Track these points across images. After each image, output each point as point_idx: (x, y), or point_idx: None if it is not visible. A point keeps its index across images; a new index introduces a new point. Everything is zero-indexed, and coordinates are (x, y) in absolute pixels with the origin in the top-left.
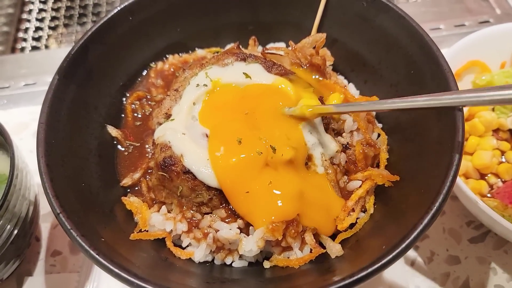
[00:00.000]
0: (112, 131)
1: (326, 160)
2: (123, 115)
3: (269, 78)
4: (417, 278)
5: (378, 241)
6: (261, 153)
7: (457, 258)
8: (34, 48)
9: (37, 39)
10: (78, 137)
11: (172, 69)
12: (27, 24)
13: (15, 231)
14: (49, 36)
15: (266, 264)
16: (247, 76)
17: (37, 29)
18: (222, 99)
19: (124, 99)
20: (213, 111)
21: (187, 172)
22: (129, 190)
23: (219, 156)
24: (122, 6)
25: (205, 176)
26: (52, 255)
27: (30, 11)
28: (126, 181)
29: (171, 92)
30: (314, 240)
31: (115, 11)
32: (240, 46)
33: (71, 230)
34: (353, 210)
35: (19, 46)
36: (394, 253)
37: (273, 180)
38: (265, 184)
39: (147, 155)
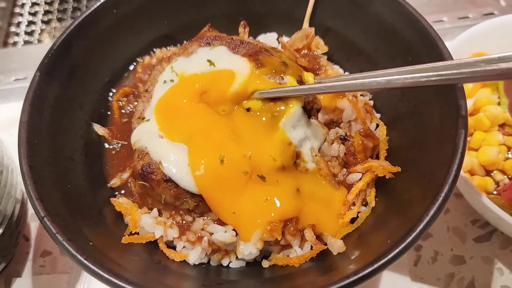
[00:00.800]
0: (99, 129)
1: (316, 155)
2: (109, 113)
3: (235, 61)
4: (421, 279)
5: (382, 235)
6: (247, 173)
7: (462, 258)
8: (27, 42)
9: (30, 33)
10: (62, 136)
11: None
12: (19, 18)
13: (0, 230)
14: (42, 30)
15: (265, 264)
16: (211, 63)
17: (30, 23)
18: (181, 97)
19: (110, 95)
20: (173, 114)
21: (168, 180)
22: (117, 191)
23: (201, 176)
24: None
25: (187, 184)
26: (41, 256)
27: (22, 5)
28: (115, 182)
29: (143, 93)
30: (314, 236)
31: (98, 4)
32: (211, 29)
33: (57, 235)
34: (353, 204)
35: (11, 40)
36: (400, 247)
37: (264, 195)
38: (253, 200)
39: None
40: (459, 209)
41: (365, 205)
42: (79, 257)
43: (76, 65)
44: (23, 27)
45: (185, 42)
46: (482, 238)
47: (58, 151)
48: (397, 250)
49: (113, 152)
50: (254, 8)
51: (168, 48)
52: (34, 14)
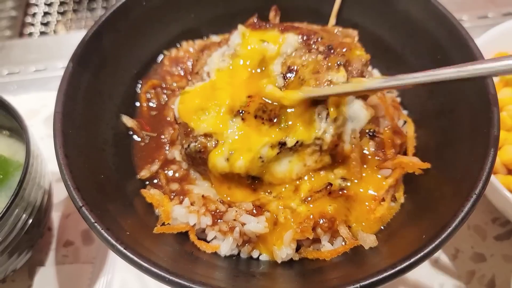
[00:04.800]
0: (128, 121)
1: (354, 138)
2: (137, 104)
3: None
4: (442, 276)
5: (413, 231)
6: None
7: (482, 256)
8: (42, 33)
9: (46, 24)
10: (93, 127)
11: (187, 57)
12: (35, 9)
13: (30, 220)
14: (57, 21)
15: (295, 256)
16: None
17: (46, 14)
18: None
19: (138, 87)
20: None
21: None
22: (148, 182)
23: None
24: None
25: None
26: (64, 246)
27: None
28: (144, 174)
29: (193, 75)
30: (350, 233)
31: None
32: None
33: (95, 224)
34: (383, 199)
35: (27, 31)
36: (435, 243)
37: None
38: None
39: (164, 146)
40: (479, 207)
41: (394, 201)
42: (119, 246)
43: (106, 56)
44: (39, 17)
45: (211, 35)
46: (502, 236)
47: (91, 141)
48: (432, 246)
49: (142, 144)
50: (281, 2)
51: (195, 41)
52: (49, 5)
